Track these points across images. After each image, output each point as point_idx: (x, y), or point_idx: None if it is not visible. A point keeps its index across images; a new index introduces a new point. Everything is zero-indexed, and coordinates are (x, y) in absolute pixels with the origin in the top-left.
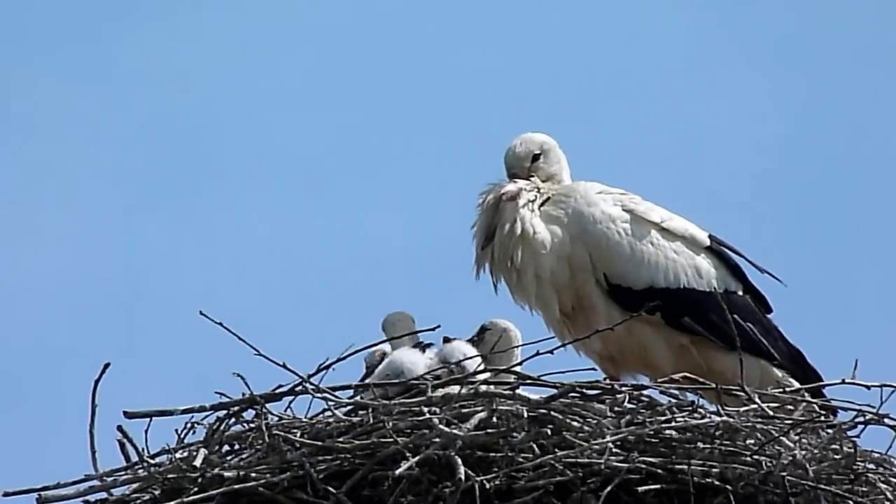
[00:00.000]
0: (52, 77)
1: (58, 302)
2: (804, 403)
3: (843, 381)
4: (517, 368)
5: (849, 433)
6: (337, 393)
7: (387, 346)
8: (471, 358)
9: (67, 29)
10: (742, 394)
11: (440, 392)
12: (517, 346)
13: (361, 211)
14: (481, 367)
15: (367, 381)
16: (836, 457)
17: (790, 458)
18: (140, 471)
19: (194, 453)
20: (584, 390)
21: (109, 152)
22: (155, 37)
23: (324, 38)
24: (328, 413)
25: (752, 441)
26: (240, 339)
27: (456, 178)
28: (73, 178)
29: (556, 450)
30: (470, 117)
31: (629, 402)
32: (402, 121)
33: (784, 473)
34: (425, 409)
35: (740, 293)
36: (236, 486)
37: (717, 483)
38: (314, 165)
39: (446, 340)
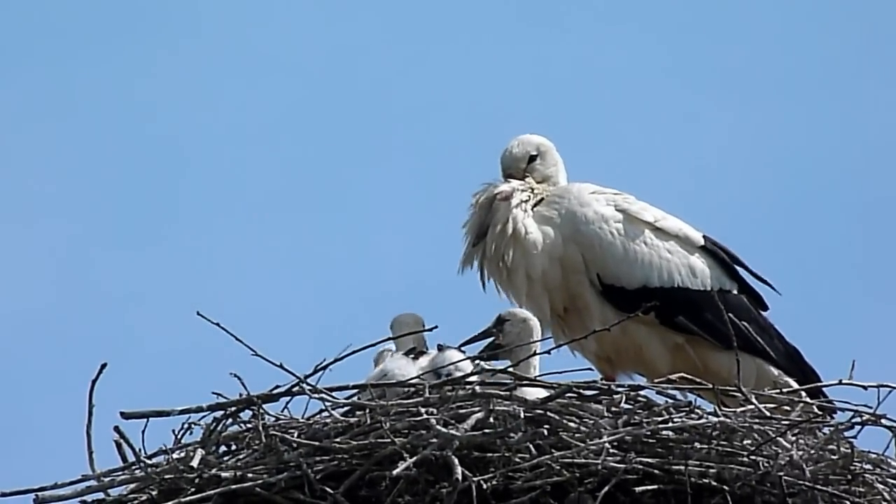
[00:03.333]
0: (18, 106)
1: (56, 307)
2: (801, 404)
3: (841, 382)
4: (512, 369)
5: (846, 434)
6: (334, 393)
7: (391, 346)
8: (459, 361)
9: (38, 62)
10: (739, 394)
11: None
12: (538, 341)
13: (356, 229)
14: (478, 369)
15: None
16: (833, 457)
17: (787, 458)
18: (137, 471)
19: (191, 454)
20: (581, 391)
21: (79, 184)
22: (124, 72)
23: (288, 72)
24: (325, 413)
25: (749, 441)
26: (237, 339)
27: (437, 191)
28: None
29: (553, 450)
30: (442, 139)
31: (626, 402)
32: (374, 144)
33: (781, 474)
34: (422, 410)
35: (735, 292)
36: (233, 487)
37: (714, 483)
38: (291, 185)
39: (440, 348)
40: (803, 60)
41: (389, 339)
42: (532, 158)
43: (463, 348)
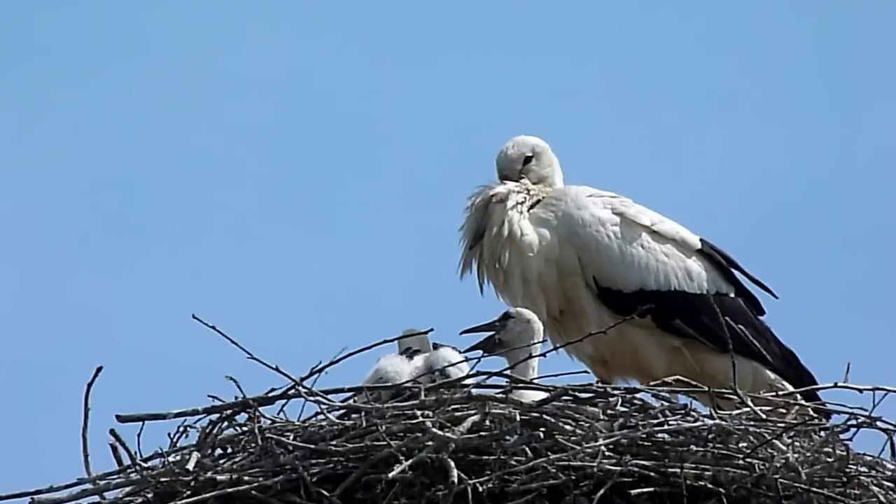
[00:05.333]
0: None
1: (52, 310)
2: (797, 406)
3: (836, 385)
4: (511, 371)
5: (841, 436)
6: (330, 396)
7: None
8: (456, 364)
9: (19, 78)
10: (735, 397)
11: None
12: (536, 343)
13: (351, 234)
14: (472, 371)
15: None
16: (829, 460)
17: (783, 461)
18: (133, 474)
19: (187, 457)
20: (577, 393)
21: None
22: (106, 88)
23: (266, 90)
24: (321, 416)
25: (745, 444)
26: (232, 342)
27: (432, 195)
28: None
29: (549, 453)
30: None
31: (622, 405)
32: (371, 148)
33: (776, 476)
34: (418, 413)
35: (732, 295)
36: (229, 490)
37: (709, 486)
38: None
39: (435, 347)
40: (792, 81)
41: (386, 341)
42: (528, 159)
43: (462, 335)
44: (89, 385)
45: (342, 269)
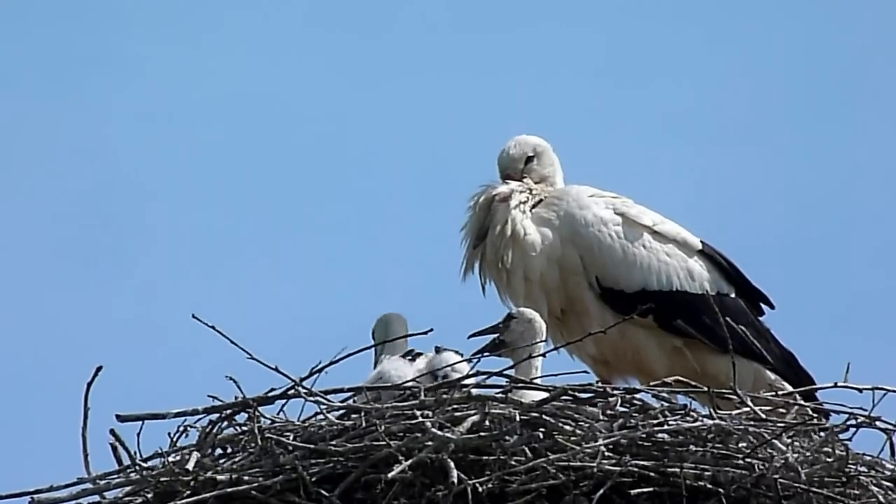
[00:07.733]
0: None
1: (50, 313)
2: (796, 406)
3: (836, 385)
4: (513, 370)
5: (841, 436)
6: (329, 396)
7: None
8: (456, 363)
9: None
10: (734, 397)
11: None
12: (539, 342)
13: (353, 232)
14: (472, 371)
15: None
16: (829, 460)
17: (782, 461)
18: (132, 474)
19: (187, 456)
20: (577, 393)
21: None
22: (82, 110)
23: (249, 107)
24: (321, 416)
25: (745, 444)
26: (232, 342)
27: (433, 194)
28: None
29: (549, 453)
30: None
31: (622, 405)
32: (375, 146)
33: (776, 476)
34: (418, 413)
35: (733, 296)
36: (229, 490)
37: (709, 486)
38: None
39: (437, 350)
40: (789, 96)
41: (385, 342)
42: (529, 159)
43: (469, 339)
44: (89, 385)
45: (343, 269)
